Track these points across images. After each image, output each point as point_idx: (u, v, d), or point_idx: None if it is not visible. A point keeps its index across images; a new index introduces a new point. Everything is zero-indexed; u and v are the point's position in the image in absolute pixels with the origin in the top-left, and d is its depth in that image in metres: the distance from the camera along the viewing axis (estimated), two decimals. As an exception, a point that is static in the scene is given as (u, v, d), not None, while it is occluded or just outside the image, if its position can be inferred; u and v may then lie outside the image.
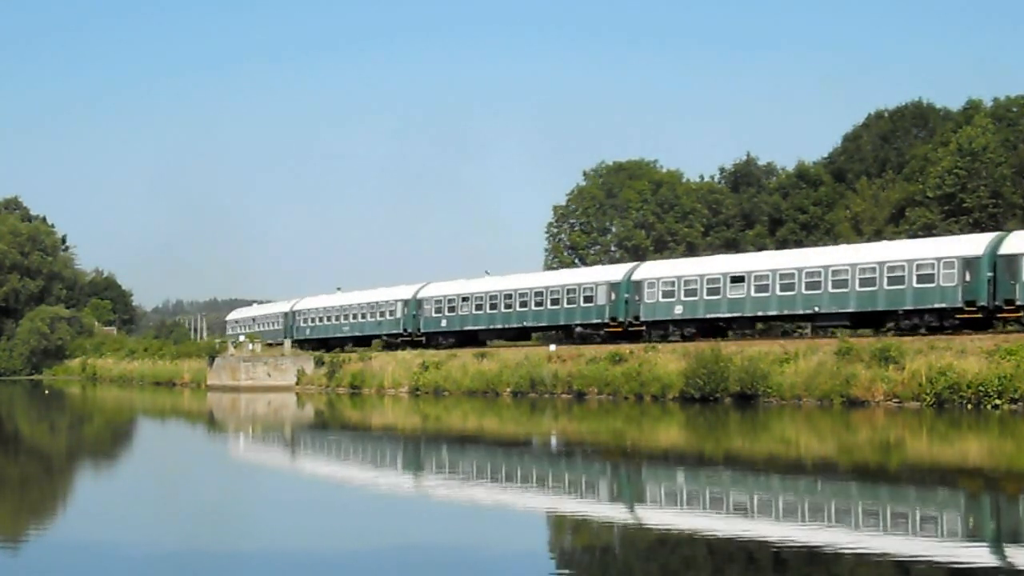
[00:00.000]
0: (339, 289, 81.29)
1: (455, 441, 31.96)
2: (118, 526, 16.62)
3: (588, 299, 55.19)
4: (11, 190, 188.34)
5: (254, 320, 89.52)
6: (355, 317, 72.93)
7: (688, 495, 19.76)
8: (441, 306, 64.89)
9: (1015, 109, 71.69)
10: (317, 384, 65.30)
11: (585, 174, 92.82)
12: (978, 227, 61.07)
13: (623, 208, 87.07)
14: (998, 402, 35.04)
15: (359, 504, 19.10)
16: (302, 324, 79.30)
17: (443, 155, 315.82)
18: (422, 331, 65.79)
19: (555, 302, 57.25)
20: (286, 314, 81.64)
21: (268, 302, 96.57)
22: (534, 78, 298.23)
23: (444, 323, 64.44)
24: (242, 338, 78.52)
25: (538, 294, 58.55)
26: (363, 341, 72.26)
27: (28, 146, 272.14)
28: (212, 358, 73.41)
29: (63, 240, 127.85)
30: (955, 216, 66.19)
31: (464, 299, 63.07)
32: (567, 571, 13.21)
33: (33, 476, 24.52)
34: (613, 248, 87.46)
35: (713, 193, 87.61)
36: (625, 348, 50.01)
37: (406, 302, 67.63)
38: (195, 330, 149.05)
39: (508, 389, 52.15)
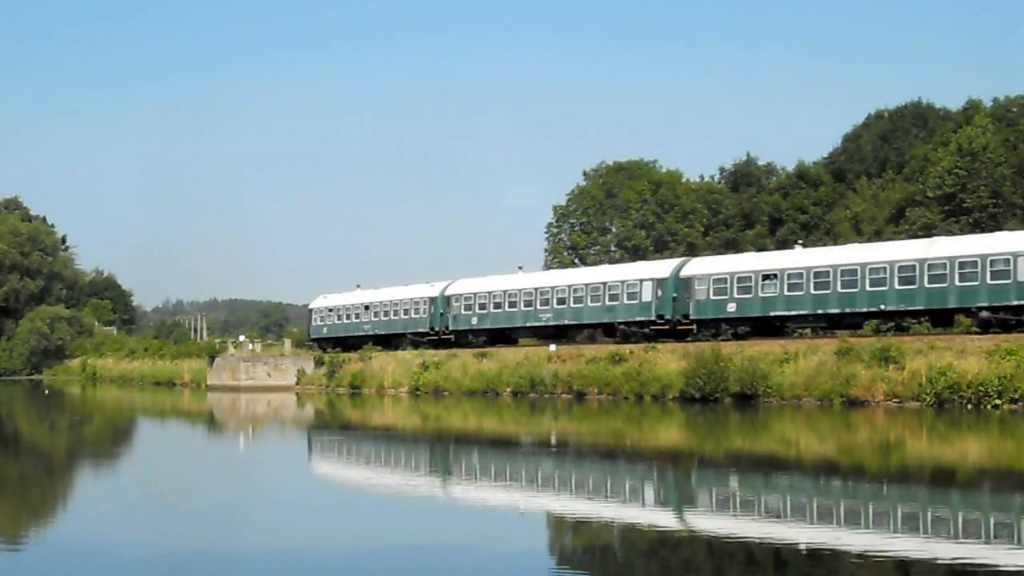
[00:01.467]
0: (521, 269, 67.44)
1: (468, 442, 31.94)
2: (118, 526, 16.60)
3: (1000, 274, 41.16)
4: (11, 190, 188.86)
5: (367, 308, 71.40)
6: (562, 302, 57.36)
7: (687, 495, 19.76)
8: (724, 286, 49.85)
9: (1015, 109, 71.73)
10: (317, 384, 65.32)
11: (585, 174, 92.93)
12: (978, 227, 61.09)
13: (623, 208, 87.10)
14: (998, 402, 35.04)
15: (359, 504, 19.10)
16: (463, 312, 63.06)
17: (443, 155, 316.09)
18: (691, 316, 51.19)
19: (937, 279, 42.87)
20: (433, 299, 65.28)
21: (395, 286, 73.18)
22: (534, 78, 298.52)
23: (732, 307, 49.58)
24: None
25: (906, 268, 43.74)
26: (560, 332, 59.04)
27: (28, 146, 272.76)
28: (212, 358, 73.42)
29: (63, 240, 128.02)
30: (955, 216, 66.22)
31: (766, 276, 48.29)
32: (567, 571, 13.20)
33: (33, 476, 24.51)
34: (613, 248, 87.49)
35: (713, 193, 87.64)
36: (625, 348, 50.03)
37: (660, 282, 52.56)
38: (195, 330, 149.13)
39: (508, 389, 52.17)
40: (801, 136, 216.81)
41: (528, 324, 59.31)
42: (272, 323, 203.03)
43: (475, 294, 62.76)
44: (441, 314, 64.29)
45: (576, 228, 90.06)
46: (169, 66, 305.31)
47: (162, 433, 40.67)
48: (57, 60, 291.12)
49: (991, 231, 52.12)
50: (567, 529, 16.32)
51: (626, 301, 53.83)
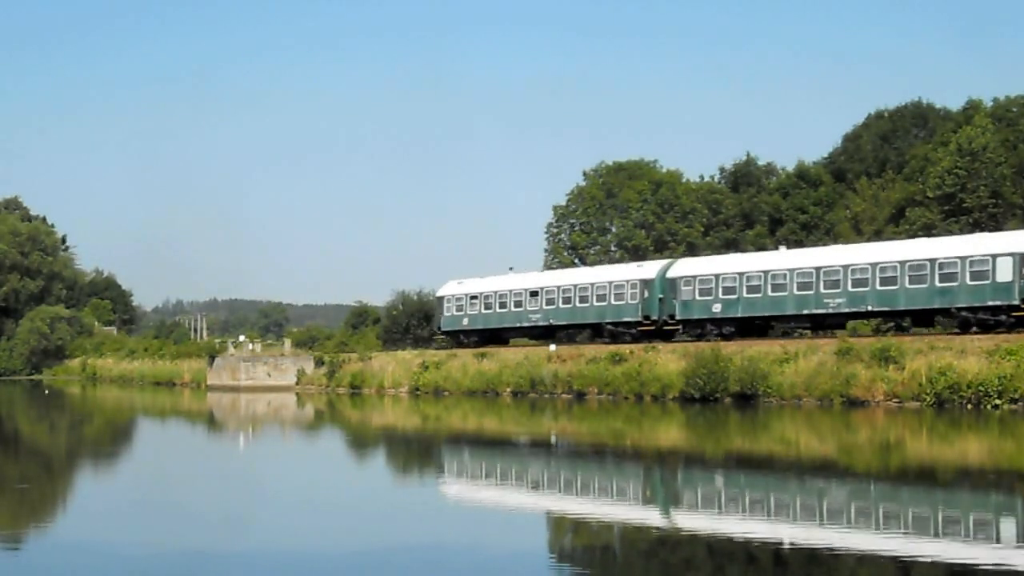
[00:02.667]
0: (782, 246, 57.43)
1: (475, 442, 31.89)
2: (118, 526, 16.61)
3: None
4: (11, 190, 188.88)
5: (534, 295, 59.39)
6: (860, 284, 45.58)
7: (690, 495, 19.76)
8: None
9: (1015, 109, 71.68)
10: (317, 384, 65.28)
11: (585, 174, 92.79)
12: (978, 227, 61.14)
13: (623, 208, 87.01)
14: (998, 402, 35.05)
15: (358, 504, 19.08)
16: (698, 297, 51.21)
17: (442, 155, 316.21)
18: None
19: None
20: (647, 282, 53.71)
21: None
22: (534, 78, 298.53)
23: None
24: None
25: None
26: (834, 320, 48.19)
27: (28, 146, 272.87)
28: (212, 358, 73.38)
29: (63, 240, 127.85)
30: (955, 216, 66.23)
31: None
32: (567, 571, 13.19)
33: (33, 476, 24.49)
34: (613, 248, 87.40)
35: (713, 193, 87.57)
36: (625, 348, 50.02)
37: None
38: (195, 330, 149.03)
39: (508, 389, 52.16)
40: (801, 136, 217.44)
41: (804, 311, 47.95)
42: (272, 323, 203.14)
43: (717, 276, 50.98)
44: (660, 300, 53.09)
45: (576, 228, 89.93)
46: (168, 66, 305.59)
47: (162, 433, 40.63)
48: (57, 60, 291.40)
49: (991, 231, 52.05)
50: (567, 529, 16.29)
51: (970, 282, 42.58)
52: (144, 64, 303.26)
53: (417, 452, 29.14)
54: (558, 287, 58.61)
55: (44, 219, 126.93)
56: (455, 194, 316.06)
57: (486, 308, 62.03)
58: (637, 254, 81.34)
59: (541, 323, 59.02)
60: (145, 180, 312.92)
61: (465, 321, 63.46)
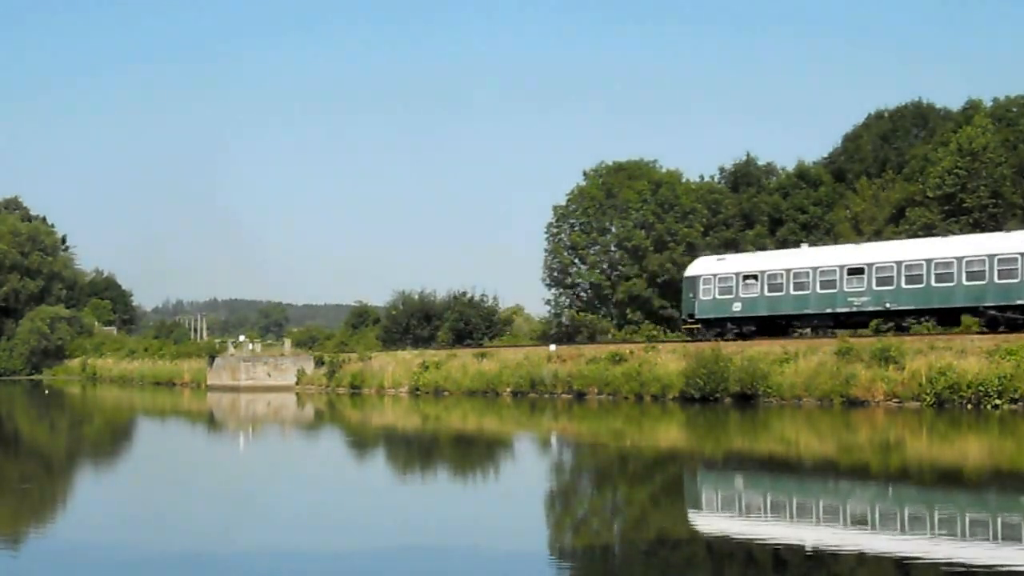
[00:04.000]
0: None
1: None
2: (118, 526, 16.61)
3: None
4: (11, 190, 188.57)
5: (855, 272, 46.64)
6: None
7: (689, 495, 19.75)
8: None
9: (1015, 109, 71.67)
10: (317, 384, 65.28)
11: (585, 174, 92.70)
12: (978, 227, 61.14)
13: (623, 208, 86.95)
14: (998, 402, 35.06)
15: (357, 503, 19.08)
16: None
17: (442, 156, 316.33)
18: None
19: None
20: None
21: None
22: (533, 78, 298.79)
23: None
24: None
25: None
26: None
27: (28, 146, 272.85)
28: (212, 358, 73.36)
29: (63, 240, 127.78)
30: (955, 216, 66.25)
31: None
32: (567, 571, 13.19)
33: (33, 476, 24.49)
34: (613, 248, 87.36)
35: (713, 193, 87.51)
36: (625, 348, 50.01)
37: None
38: (195, 330, 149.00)
39: (508, 389, 52.18)
40: (801, 136, 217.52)
41: None
42: (272, 323, 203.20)
43: None
44: None
45: (576, 228, 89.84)
46: (168, 65, 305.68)
47: (162, 433, 40.60)
48: (57, 60, 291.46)
49: (991, 231, 52.04)
50: (567, 529, 16.27)
51: None
52: (144, 64, 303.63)
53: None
54: (898, 262, 45.74)
55: (44, 219, 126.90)
56: (455, 194, 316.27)
57: (772, 290, 49.49)
58: (637, 255, 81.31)
59: (870, 308, 46.72)
60: (145, 180, 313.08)
61: (736, 307, 50.97)
